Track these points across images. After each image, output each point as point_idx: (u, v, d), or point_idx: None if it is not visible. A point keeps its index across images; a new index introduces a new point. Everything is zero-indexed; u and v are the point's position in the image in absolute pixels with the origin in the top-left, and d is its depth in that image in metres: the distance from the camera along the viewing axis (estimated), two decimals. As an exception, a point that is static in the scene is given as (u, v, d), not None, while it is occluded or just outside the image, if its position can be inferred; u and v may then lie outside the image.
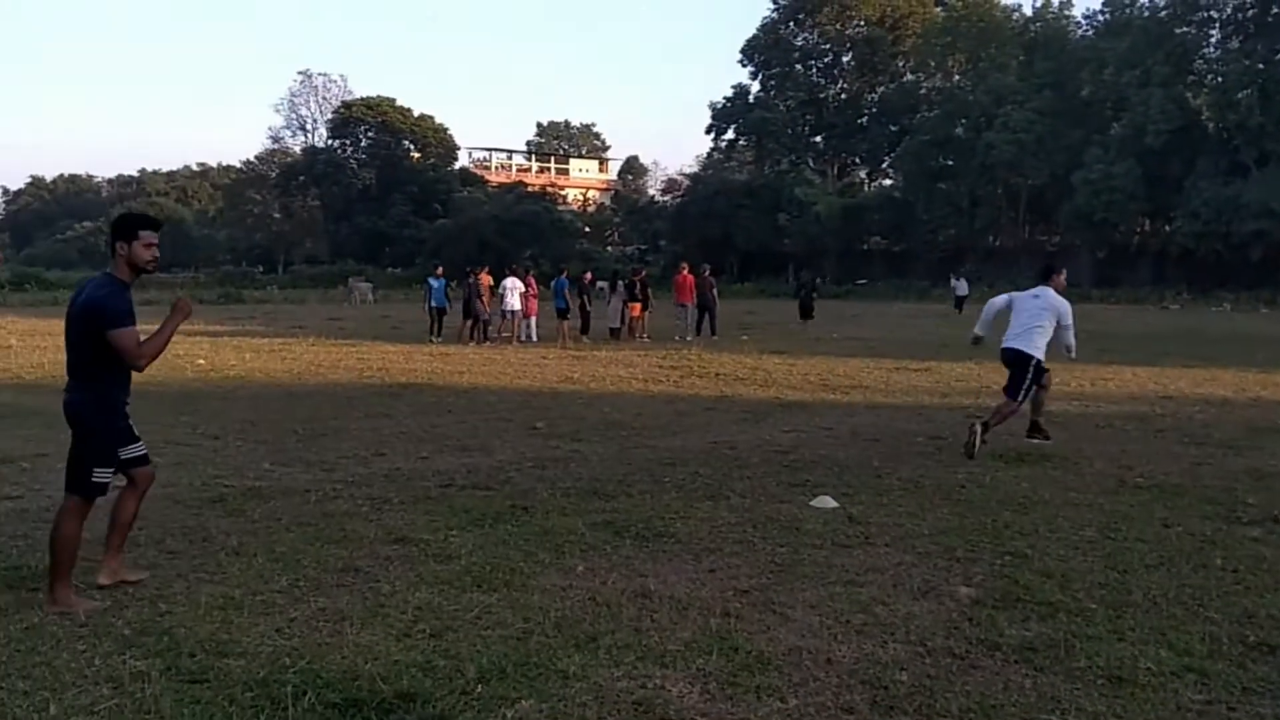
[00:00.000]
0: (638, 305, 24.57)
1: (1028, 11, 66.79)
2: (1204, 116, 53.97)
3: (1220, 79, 52.98)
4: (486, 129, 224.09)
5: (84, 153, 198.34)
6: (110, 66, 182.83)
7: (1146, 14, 56.09)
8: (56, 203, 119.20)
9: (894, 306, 46.04)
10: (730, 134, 75.60)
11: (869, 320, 33.60)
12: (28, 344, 20.67)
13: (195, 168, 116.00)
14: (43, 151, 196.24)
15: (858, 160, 76.18)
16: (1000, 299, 9.87)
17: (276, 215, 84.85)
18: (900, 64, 73.22)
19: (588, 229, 74.88)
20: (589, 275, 27.76)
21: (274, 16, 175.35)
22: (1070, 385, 13.88)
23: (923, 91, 69.33)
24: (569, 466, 8.55)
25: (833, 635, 4.58)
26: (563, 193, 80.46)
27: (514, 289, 23.31)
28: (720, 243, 63.83)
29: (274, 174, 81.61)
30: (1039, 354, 9.28)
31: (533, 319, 24.27)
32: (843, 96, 74.37)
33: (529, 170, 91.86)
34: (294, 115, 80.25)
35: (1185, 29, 54.78)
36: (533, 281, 24.75)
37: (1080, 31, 62.85)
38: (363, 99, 77.16)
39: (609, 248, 75.72)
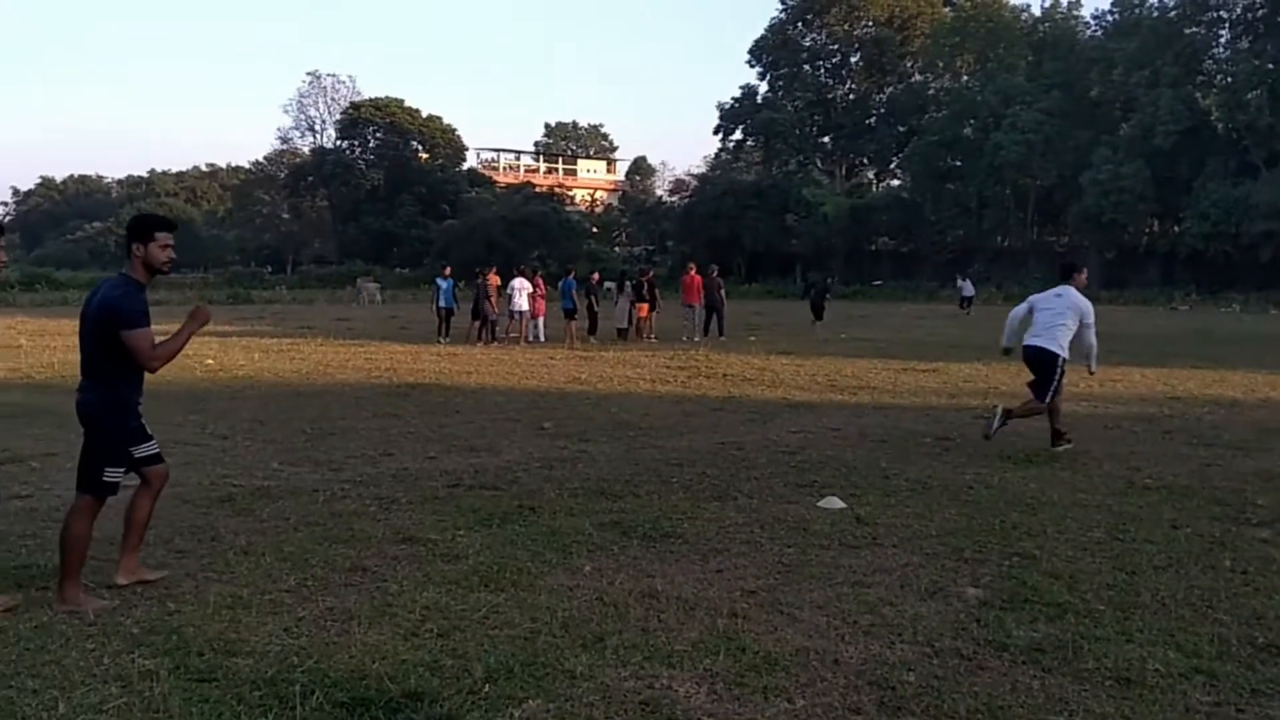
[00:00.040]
0: (645, 306, 24.56)
1: (1036, 12, 66.88)
2: (1213, 117, 53.82)
3: (1230, 79, 52.88)
4: (494, 130, 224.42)
5: (94, 153, 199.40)
6: (119, 67, 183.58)
7: (1156, 14, 56.01)
8: (66, 203, 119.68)
9: (902, 307, 45.96)
10: (738, 134, 75.53)
11: (877, 321, 33.55)
12: (37, 344, 20.73)
13: (204, 168, 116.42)
14: (53, 152, 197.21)
15: (865, 161, 76.07)
16: (1021, 307, 9.79)
17: (285, 216, 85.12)
18: (908, 64, 73.12)
19: (595, 229, 74.88)
20: (596, 276, 27.80)
21: (283, 18, 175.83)
22: (1079, 386, 13.83)
23: (931, 92, 69.26)
24: (576, 467, 8.55)
25: (840, 636, 4.57)
26: (570, 193, 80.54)
27: (522, 289, 23.33)
28: (728, 243, 63.77)
29: (283, 174, 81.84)
30: (1064, 352, 9.26)
31: (540, 319, 24.29)
32: (851, 97, 74.28)
33: (537, 171, 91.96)
34: (303, 116, 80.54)
35: (1194, 29, 54.69)
36: (540, 282, 24.78)
37: (1089, 32, 62.83)
38: (371, 100, 77.30)
39: (616, 248, 75.78)
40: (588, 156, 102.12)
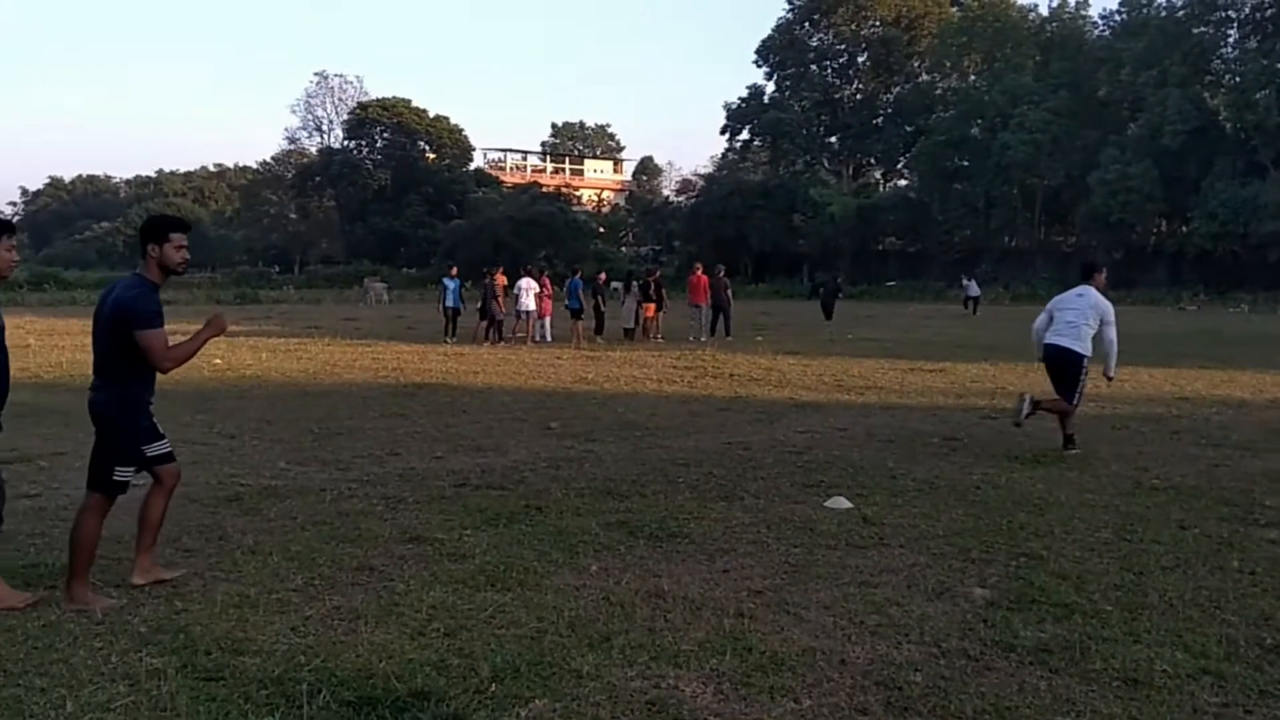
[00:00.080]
0: (652, 306, 24.57)
1: (1044, 11, 66.81)
2: (1221, 117, 53.70)
3: (1238, 79, 52.78)
4: (501, 130, 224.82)
5: (102, 153, 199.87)
6: (128, 68, 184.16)
7: (1164, 14, 55.89)
8: (75, 203, 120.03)
9: (909, 307, 45.90)
10: (745, 134, 75.58)
11: (884, 321, 33.51)
12: (46, 343, 20.79)
13: (212, 168, 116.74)
14: (61, 152, 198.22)
15: (873, 161, 76.07)
16: (1042, 316, 9.70)
17: (292, 216, 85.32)
18: (916, 64, 73.07)
19: (602, 229, 74.97)
20: (603, 276, 27.79)
21: (291, 18, 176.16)
22: (1087, 387, 13.78)
23: (938, 92, 69.20)
24: (583, 466, 8.56)
25: (847, 636, 4.57)
26: (577, 193, 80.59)
27: (529, 289, 23.35)
28: (735, 243, 63.79)
29: (290, 175, 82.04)
30: (1087, 351, 9.24)
31: (547, 319, 24.31)
32: (858, 97, 74.25)
33: (544, 171, 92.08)
34: (310, 116, 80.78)
35: (1203, 29, 54.54)
36: (547, 282, 24.79)
37: (1097, 31, 62.72)
38: (378, 100, 77.48)
39: (623, 248, 75.82)
40: (594, 156, 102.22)
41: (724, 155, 79.69)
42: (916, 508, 7.05)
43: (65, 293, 48.35)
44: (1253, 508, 7.10)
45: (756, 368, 17.22)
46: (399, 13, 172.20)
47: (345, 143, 78.47)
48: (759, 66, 74.84)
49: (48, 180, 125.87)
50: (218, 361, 17.12)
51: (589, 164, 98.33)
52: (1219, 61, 55.58)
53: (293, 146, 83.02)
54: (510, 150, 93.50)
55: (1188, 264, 52.81)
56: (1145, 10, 57.02)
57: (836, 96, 73.67)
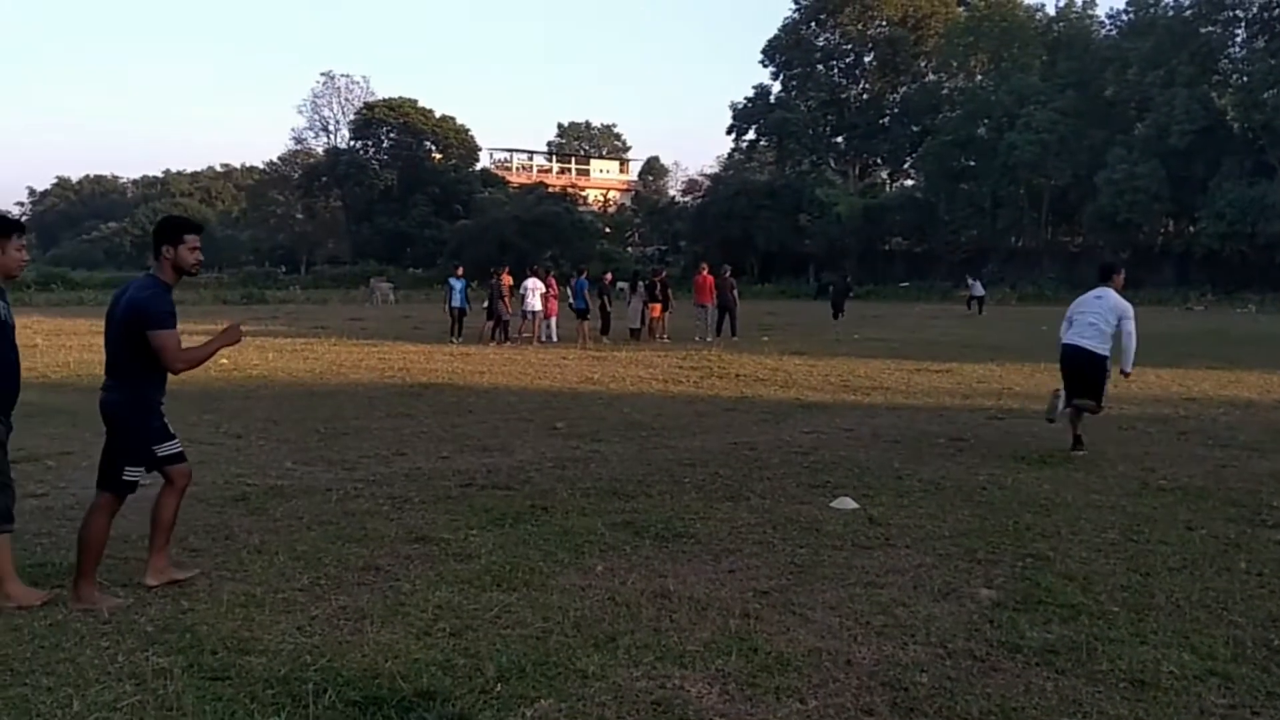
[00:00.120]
0: (658, 306, 24.57)
1: (1051, 11, 66.57)
2: (1229, 117, 53.54)
3: (1245, 79, 52.61)
4: (507, 130, 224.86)
5: (109, 153, 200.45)
6: (127, 68, 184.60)
7: (1171, 13, 55.73)
8: (82, 203, 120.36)
9: (915, 307, 45.85)
10: (751, 134, 75.45)
11: (890, 321, 33.46)
12: (53, 343, 20.86)
13: (219, 169, 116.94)
14: (68, 152, 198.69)
15: (879, 161, 75.92)
16: (1065, 322, 9.69)
17: (299, 216, 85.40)
18: (922, 64, 72.92)
19: (608, 230, 74.87)
20: (609, 276, 27.79)
21: (297, 18, 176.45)
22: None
23: (945, 92, 69.04)
24: (589, 467, 8.56)
25: (853, 637, 4.56)
26: (583, 193, 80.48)
27: (535, 290, 23.36)
28: (741, 243, 63.71)
29: (297, 175, 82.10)
30: (1107, 352, 9.27)
31: (553, 319, 24.32)
32: (864, 97, 74.13)
33: (550, 171, 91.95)
34: (317, 116, 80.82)
35: (1210, 28, 54.41)
36: (553, 282, 24.80)
37: (1104, 31, 62.56)
38: (385, 100, 77.49)
39: (629, 248, 75.78)
40: (600, 157, 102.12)
41: (730, 155, 79.57)
42: (923, 508, 7.05)
43: (72, 293, 48.46)
44: (1260, 509, 7.09)
45: (762, 368, 17.21)
46: (405, 13, 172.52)
47: (352, 143, 78.54)
48: (765, 66, 74.78)
49: (55, 180, 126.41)
50: (224, 361, 17.14)
51: (595, 164, 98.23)
52: (1226, 61, 55.43)
53: (299, 147, 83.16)
54: (516, 150, 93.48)
55: (1195, 264, 52.63)
56: (1152, 10, 56.86)
57: (843, 96, 73.56)
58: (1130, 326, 9.26)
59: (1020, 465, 8.69)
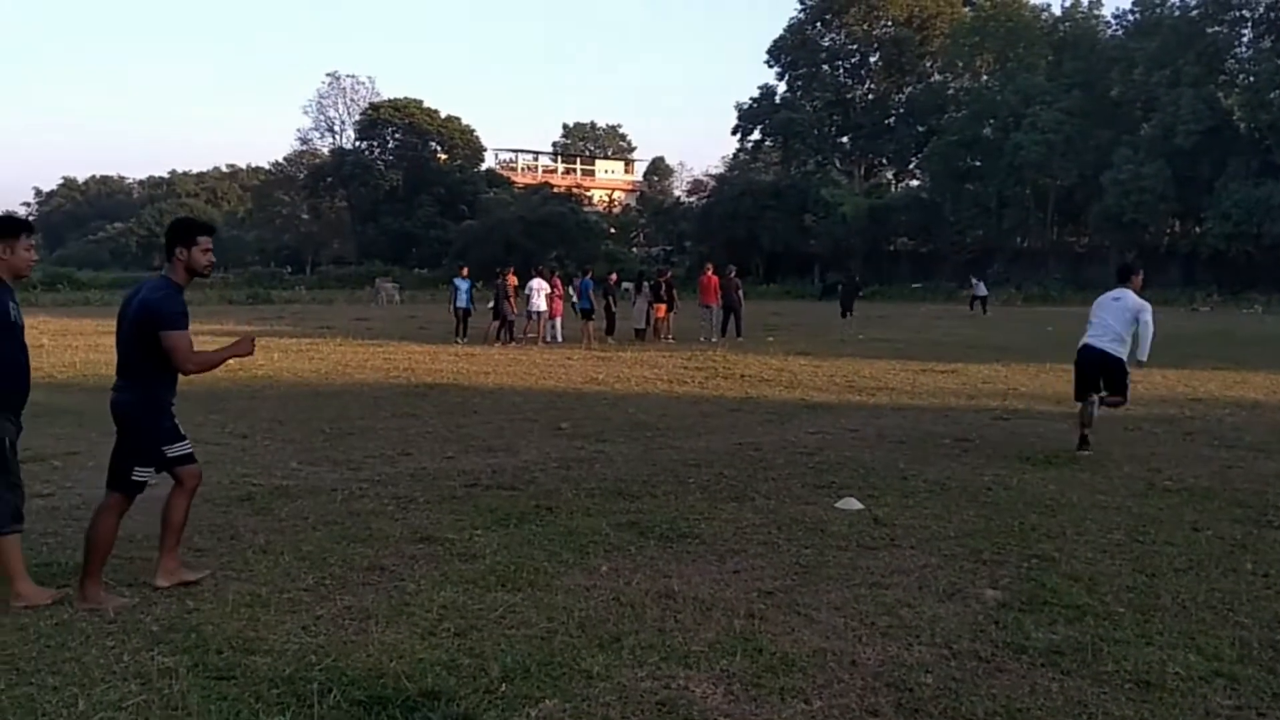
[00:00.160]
0: (663, 306, 24.56)
1: (1056, 11, 66.33)
2: (1235, 117, 53.37)
3: (1252, 79, 52.45)
4: (513, 130, 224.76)
5: (115, 154, 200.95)
6: (127, 68, 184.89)
7: (1177, 13, 55.59)
8: (88, 203, 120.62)
9: (920, 308, 45.80)
10: (756, 135, 75.29)
11: (895, 321, 33.42)
12: (59, 343, 20.91)
13: (224, 169, 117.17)
14: (72, 153, 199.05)
15: (884, 161, 75.80)
16: (1088, 323, 9.80)
17: (304, 216, 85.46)
18: (928, 64, 72.80)
19: (613, 230, 74.86)
20: (614, 276, 27.79)
21: (303, 19, 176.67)
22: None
23: (950, 92, 68.93)
24: (594, 467, 8.56)
25: (857, 637, 4.56)
26: (588, 194, 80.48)
27: (540, 290, 23.37)
28: (746, 244, 63.63)
29: (302, 175, 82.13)
30: (1123, 355, 9.35)
31: (558, 320, 24.33)
32: (870, 97, 74.01)
33: (555, 171, 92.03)
34: (322, 117, 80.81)
35: (1216, 28, 54.26)
36: (558, 282, 24.81)
37: (1110, 31, 62.38)
38: (390, 100, 77.52)
39: (634, 249, 75.77)
40: (606, 157, 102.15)
41: (735, 155, 79.48)
42: (928, 509, 7.04)
43: (79, 293, 48.60)
44: (1266, 509, 7.07)
45: (768, 368, 17.20)
46: (410, 13, 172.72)
47: (357, 143, 78.56)
48: (770, 67, 74.57)
49: (61, 181, 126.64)
50: (230, 361, 17.17)
51: (600, 164, 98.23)
52: (1233, 61, 55.26)
53: (305, 147, 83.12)
54: (521, 151, 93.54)
55: (1201, 264, 52.49)
56: (1158, 10, 56.72)
57: (848, 96, 73.44)
58: (1148, 317, 9.37)
59: (1025, 466, 8.68)
